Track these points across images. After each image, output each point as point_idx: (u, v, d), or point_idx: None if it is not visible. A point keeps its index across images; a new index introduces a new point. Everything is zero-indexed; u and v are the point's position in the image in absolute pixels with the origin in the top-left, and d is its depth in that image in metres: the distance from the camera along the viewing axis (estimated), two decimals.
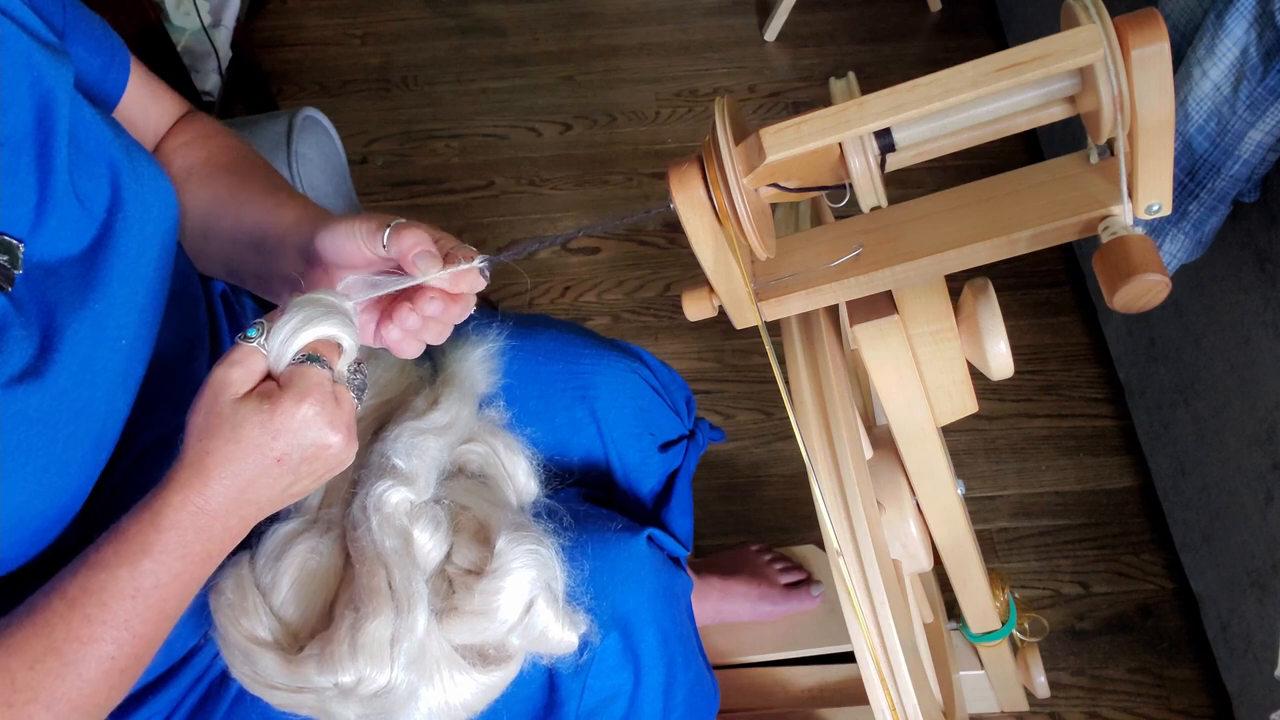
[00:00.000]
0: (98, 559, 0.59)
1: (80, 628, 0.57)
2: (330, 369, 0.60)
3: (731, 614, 1.31)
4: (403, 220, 0.65)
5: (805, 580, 1.33)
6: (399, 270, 0.66)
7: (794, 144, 0.57)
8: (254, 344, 0.60)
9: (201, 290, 0.82)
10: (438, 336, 0.68)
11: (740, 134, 0.61)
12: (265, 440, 0.58)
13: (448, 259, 0.65)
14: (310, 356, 0.59)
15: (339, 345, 0.61)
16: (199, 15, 1.82)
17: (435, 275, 0.64)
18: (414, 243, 0.63)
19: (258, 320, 0.61)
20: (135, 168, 0.70)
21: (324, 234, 0.67)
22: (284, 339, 0.59)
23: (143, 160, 0.71)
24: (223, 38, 1.94)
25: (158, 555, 0.58)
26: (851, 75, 0.63)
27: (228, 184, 0.77)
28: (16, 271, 0.61)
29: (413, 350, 0.69)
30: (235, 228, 0.75)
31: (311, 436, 0.58)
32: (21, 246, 0.62)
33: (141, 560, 0.58)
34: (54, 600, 0.58)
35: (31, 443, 0.60)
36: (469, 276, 0.65)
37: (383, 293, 0.66)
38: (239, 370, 0.59)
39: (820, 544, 1.40)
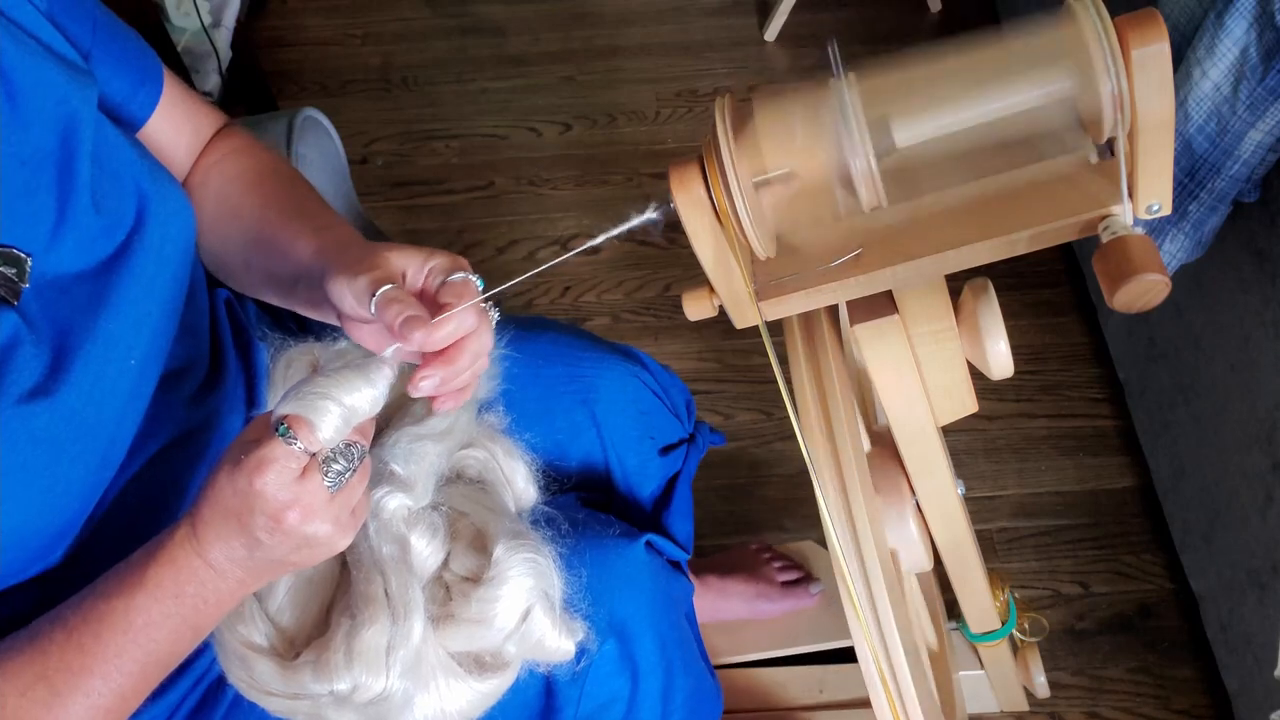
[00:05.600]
0: (102, 588, 0.59)
1: (73, 657, 0.57)
2: (302, 447, 0.57)
3: (729, 612, 1.31)
4: (390, 287, 0.60)
5: (804, 579, 1.33)
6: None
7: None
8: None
9: (207, 301, 0.81)
10: (470, 379, 0.64)
11: (741, 134, 0.61)
12: (227, 494, 0.57)
13: (439, 294, 0.61)
14: (285, 429, 0.56)
15: (313, 427, 0.57)
16: (199, 15, 1.82)
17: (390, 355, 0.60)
18: (396, 312, 0.59)
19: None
20: (160, 190, 0.70)
21: (327, 289, 0.63)
22: (276, 404, 0.58)
23: (166, 182, 0.71)
24: (223, 38, 1.94)
25: (152, 589, 0.58)
26: (853, 77, 0.63)
27: (251, 211, 0.75)
28: (23, 285, 0.61)
29: (455, 402, 0.64)
30: (267, 263, 0.73)
31: (262, 506, 0.56)
32: (30, 260, 0.61)
33: (137, 593, 0.58)
34: (55, 627, 0.58)
35: (37, 461, 0.60)
36: (461, 320, 0.60)
37: (383, 388, 0.61)
38: (252, 423, 0.59)
39: (820, 541, 1.40)
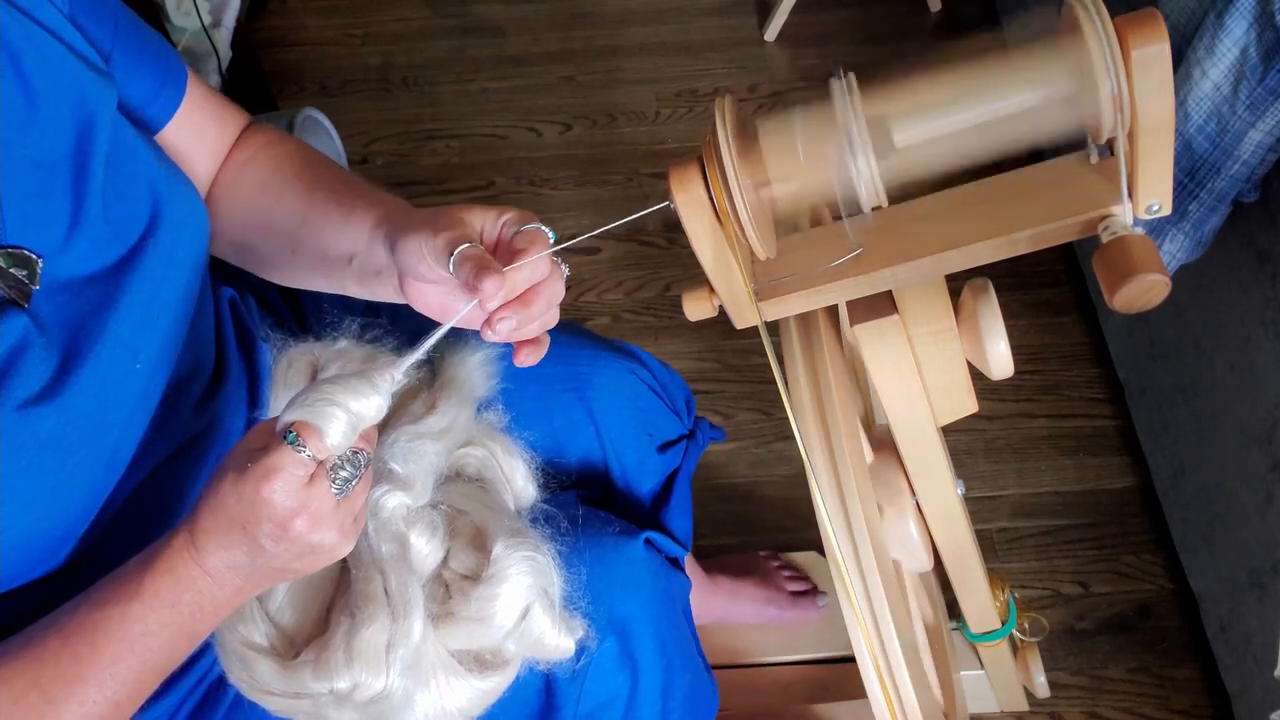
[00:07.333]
0: (97, 597, 0.59)
1: (68, 666, 0.57)
2: (311, 454, 0.56)
3: (738, 615, 1.32)
4: (467, 245, 0.60)
5: (811, 591, 1.35)
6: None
7: None
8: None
9: (213, 306, 0.80)
10: (542, 327, 0.66)
11: (741, 134, 0.61)
12: (231, 501, 0.56)
13: (514, 241, 0.62)
14: (293, 436, 0.56)
15: (321, 434, 0.57)
16: (199, 15, 1.82)
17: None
18: (470, 268, 0.59)
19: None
20: (175, 194, 0.70)
21: (399, 250, 0.64)
22: (281, 412, 0.58)
23: (182, 186, 0.71)
24: (223, 38, 1.94)
25: (149, 598, 0.58)
26: (852, 77, 0.63)
27: (298, 196, 0.75)
28: (34, 287, 0.61)
29: (534, 356, 0.67)
30: (320, 243, 0.73)
31: (269, 514, 0.56)
32: (41, 262, 0.61)
33: (133, 602, 0.58)
34: (50, 634, 0.58)
35: (43, 464, 0.59)
36: (535, 267, 0.62)
37: (428, 347, 0.62)
38: (254, 429, 0.59)
39: (820, 546, 1.40)
